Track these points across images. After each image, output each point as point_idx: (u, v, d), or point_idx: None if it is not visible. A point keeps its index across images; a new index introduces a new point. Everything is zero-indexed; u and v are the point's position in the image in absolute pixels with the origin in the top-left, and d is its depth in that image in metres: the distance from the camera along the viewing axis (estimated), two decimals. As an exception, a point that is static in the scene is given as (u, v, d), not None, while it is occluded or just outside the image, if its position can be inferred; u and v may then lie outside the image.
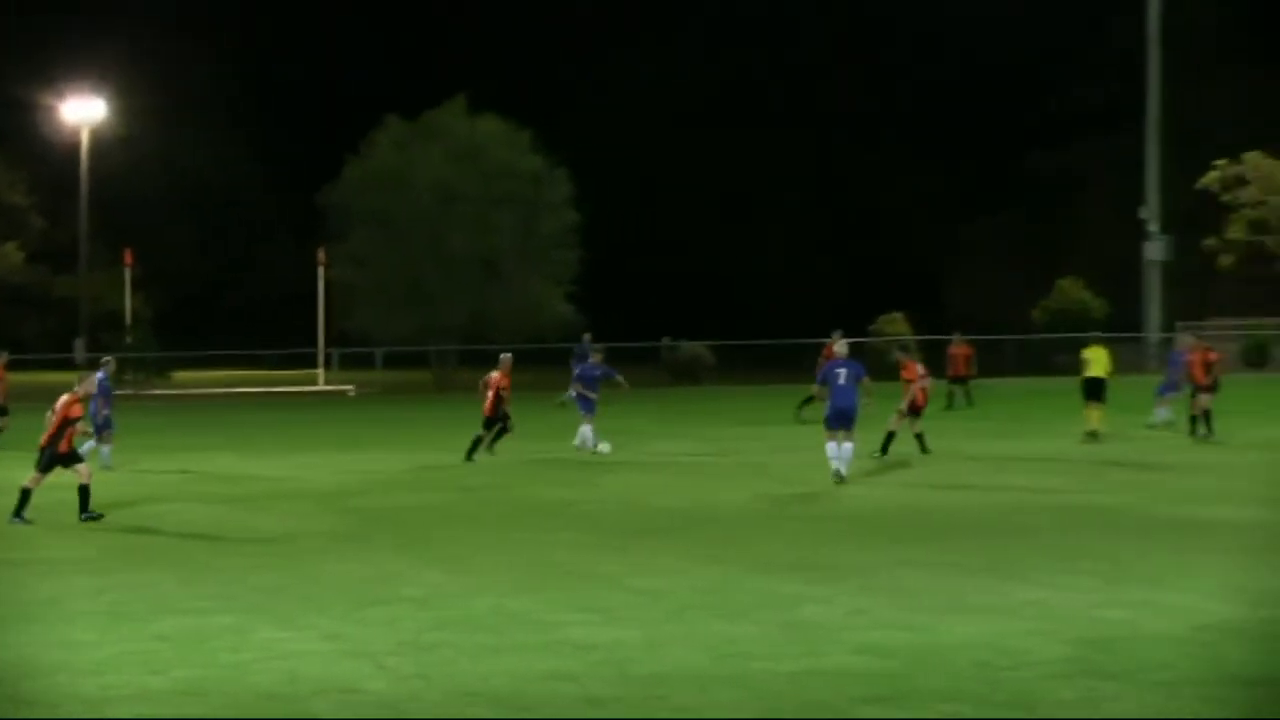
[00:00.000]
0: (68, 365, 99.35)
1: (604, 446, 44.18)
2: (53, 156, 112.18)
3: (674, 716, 15.48)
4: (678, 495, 34.24)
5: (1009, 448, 43.36)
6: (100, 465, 42.53)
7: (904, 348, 47.48)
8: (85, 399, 32.57)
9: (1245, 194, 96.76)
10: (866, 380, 36.91)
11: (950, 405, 58.56)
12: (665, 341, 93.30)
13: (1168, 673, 16.85)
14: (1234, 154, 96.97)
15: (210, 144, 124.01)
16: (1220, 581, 22.09)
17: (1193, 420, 45.87)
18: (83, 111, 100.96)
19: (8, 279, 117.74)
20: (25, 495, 31.07)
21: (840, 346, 38.39)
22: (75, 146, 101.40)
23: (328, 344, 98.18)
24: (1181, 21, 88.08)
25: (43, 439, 31.29)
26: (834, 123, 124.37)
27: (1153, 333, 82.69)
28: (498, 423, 44.20)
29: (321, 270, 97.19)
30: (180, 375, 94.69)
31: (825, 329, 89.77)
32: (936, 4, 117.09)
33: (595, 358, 46.95)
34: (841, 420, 35.46)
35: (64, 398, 31.61)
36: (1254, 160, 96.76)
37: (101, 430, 43.17)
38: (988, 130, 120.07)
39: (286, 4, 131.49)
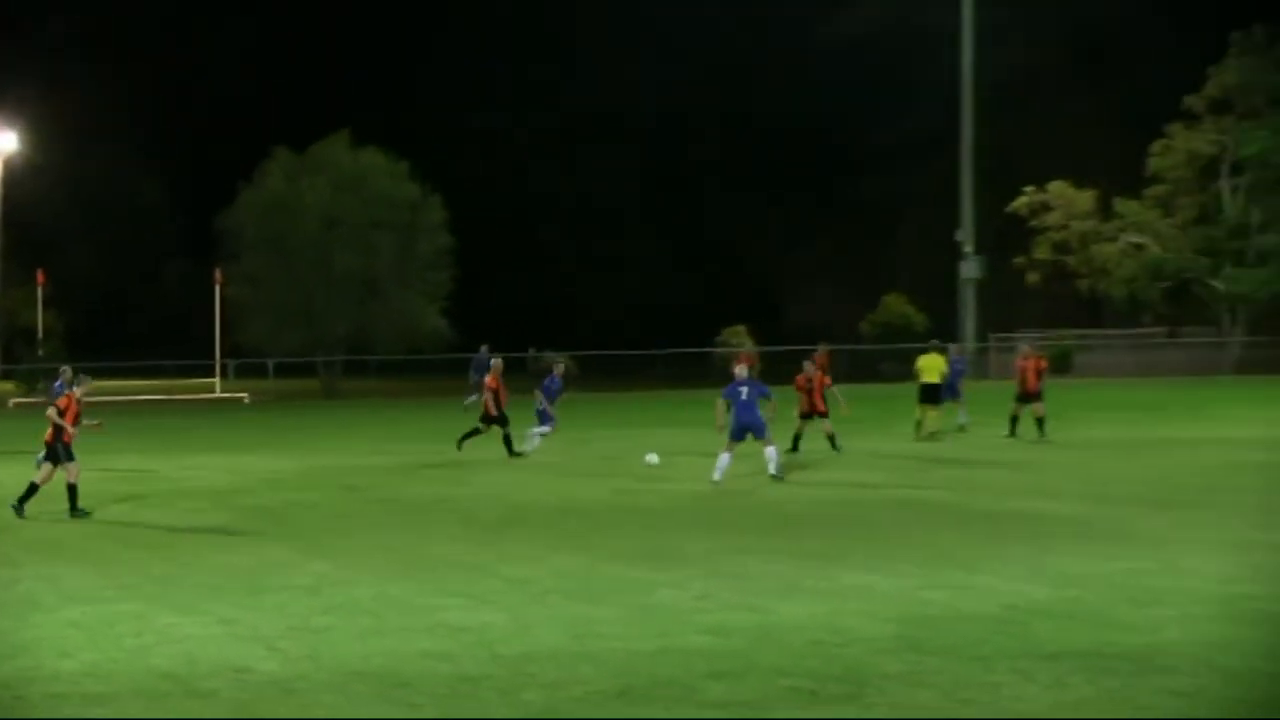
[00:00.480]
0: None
1: (530, 444, 44.10)
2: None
3: (540, 692, 15.50)
4: (542, 491, 34.20)
5: (844, 446, 43.44)
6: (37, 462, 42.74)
7: (809, 358, 47.68)
8: (81, 400, 32.29)
9: (1050, 218, 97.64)
10: (771, 398, 37.05)
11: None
12: (531, 353, 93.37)
13: (983, 648, 16.96)
14: (1040, 182, 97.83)
15: (117, 171, 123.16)
16: (1030, 566, 22.25)
17: (1013, 421, 46.24)
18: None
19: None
20: (32, 489, 31.07)
21: (740, 369, 38.15)
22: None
23: (224, 355, 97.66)
24: (993, 61, 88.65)
25: (46, 436, 31.32)
26: (684, 153, 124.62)
27: (969, 343, 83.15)
28: (498, 420, 43.94)
29: (218, 288, 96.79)
30: (93, 384, 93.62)
31: (676, 341, 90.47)
32: (771, 44, 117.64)
33: (558, 369, 46.63)
34: (743, 434, 35.37)
35: (61, 399, 31.81)
36: (1057, 188, 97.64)
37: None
38: (822, 160, 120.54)
39: (187, 43, 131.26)
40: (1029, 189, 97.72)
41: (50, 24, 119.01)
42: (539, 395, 45.68)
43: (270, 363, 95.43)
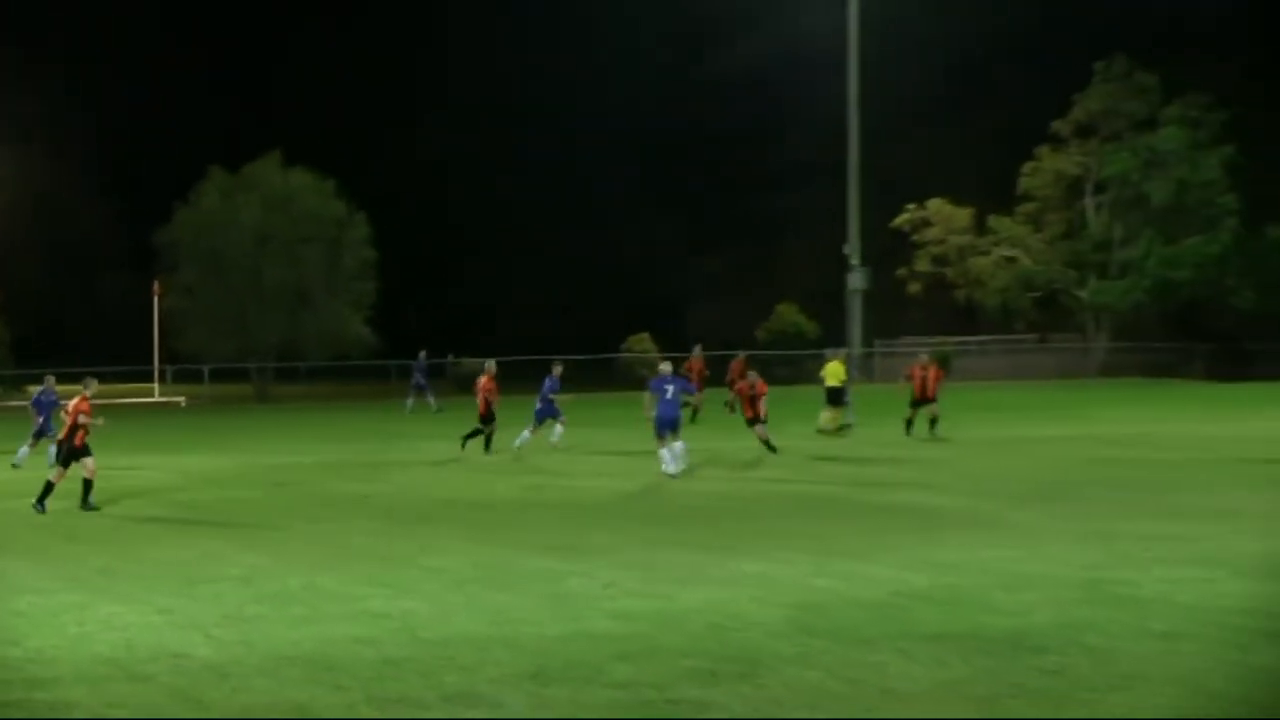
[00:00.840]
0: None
1: (556, 440, 43.88)
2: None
3: (458, 674, 15.47)
4: (460, 488, 34.15)
5: (744, 445, 43.48)
6: (19, 463, 42.25)
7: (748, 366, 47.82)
8: (92, 400, 32.01)
9: (929, 233, 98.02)
10: (694, 396, 37.12)
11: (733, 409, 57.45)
12: (450, 358, 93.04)
13: (868, 631, 17.02)
14: (920, 200, 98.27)
15: (61, 189, 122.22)
16: (912, 555, 22.32)
17: (908, 423, 46.23)
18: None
19: None
20: (49, 487, 30.81)
21: (664, 366, 38.07)
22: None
23: (162, 362, 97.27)
24: (877, 89, 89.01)
25: (60, 434, 31.25)
26: (592, 172, 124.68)
27: (855, 349, 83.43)
28: (492, 421, 43.76)
29: (157, 299, 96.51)
30: (33, 388, 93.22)
31: (585, 348, 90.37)
32: (675, 71, 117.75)
33: (556, 371, 46.34)
34: (667, 427, 35.56)
35: (75, 400, 31.42)
36: (936, 205, 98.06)
37: (41, 434, 43.04)
38: (721, 179, 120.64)
39: (128, 68, 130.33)
40: (910, 206, 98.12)
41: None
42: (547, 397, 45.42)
43: (205, 369, 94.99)
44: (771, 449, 39.97)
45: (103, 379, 45.40)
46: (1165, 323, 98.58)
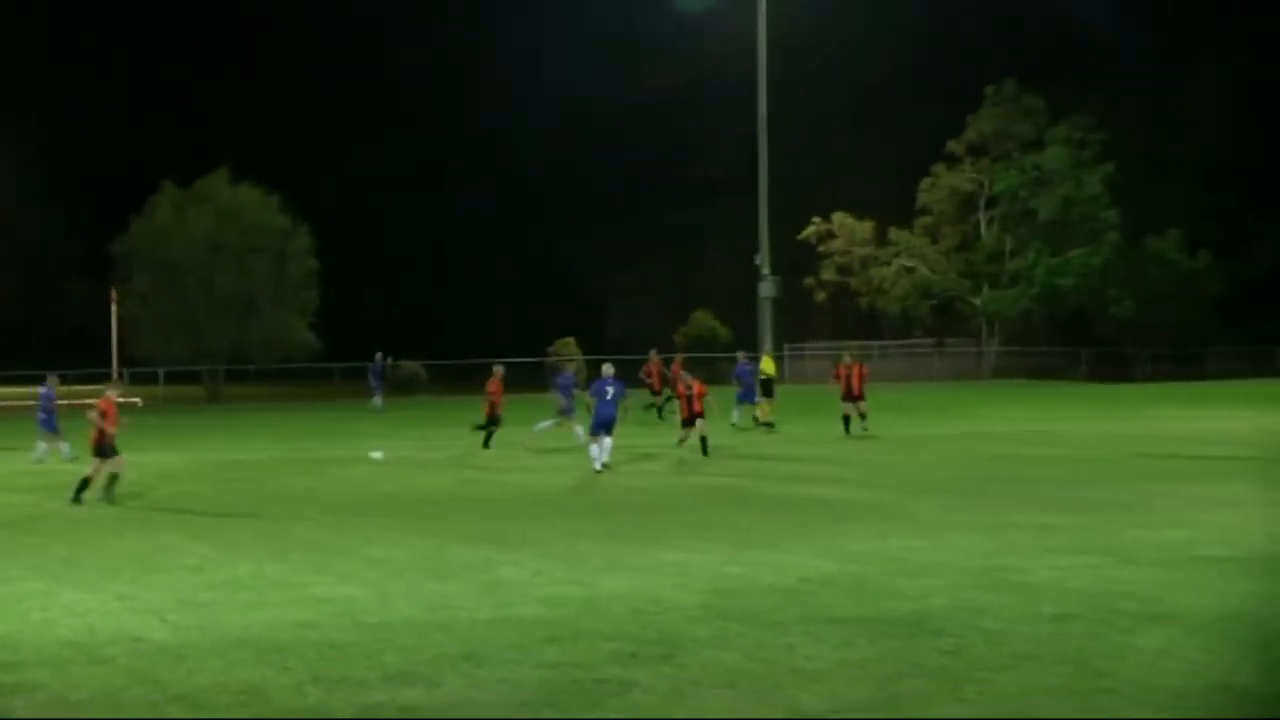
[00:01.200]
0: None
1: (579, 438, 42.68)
2: None
3: (397, 655, 15.45)
4: (398, 483, 34.07)
5: (664, 441, 43.52)
6: (42, 457, 42.34)
7: (684, 369, 47.80)
8: (117, 400, 31.78)
9: (834, 245, 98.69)
10: (627, 399, 37.10)
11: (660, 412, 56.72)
12: (389, 362, 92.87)
13: (780, 614, 17.06)
14: (825, 214, 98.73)
15: (22, 202, 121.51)
16: (820, 544, 22.39)
17: (846, 420, 46.15)
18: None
19: None
20: (84, 482, 30.61)
21: (607, 368, 38.02)
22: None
23: (120, 365, 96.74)
24: (785, 109, 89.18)
25: (93, 435, 30.79)
26: (518, 187, 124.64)
27: (768, 349, 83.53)
28: (496, 421, 43.93)
29: (114, 306, 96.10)
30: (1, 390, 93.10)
31: (516, 350, 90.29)
32: (598, 93, 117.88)
33: (570, 368, 46.14)
34: (604, 427, 35.62)
35: (100, 400, 31.43)
36: (840, 219, 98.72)
37: (44, 429, 42.90)
38: (641, 194, 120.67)
39: (85, 86, 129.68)
40: (816, 219, 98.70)
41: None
42: (557, 394, 45.62)
43: (161, 371, 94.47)
44: (704, 450, 39.18)
45: (64, 381, 45.23)
46: (1052, 328, 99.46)
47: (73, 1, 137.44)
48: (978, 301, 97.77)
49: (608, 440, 35.68)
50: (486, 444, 43.59)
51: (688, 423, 39.99)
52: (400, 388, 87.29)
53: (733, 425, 48.88)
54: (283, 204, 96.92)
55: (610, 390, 36.37)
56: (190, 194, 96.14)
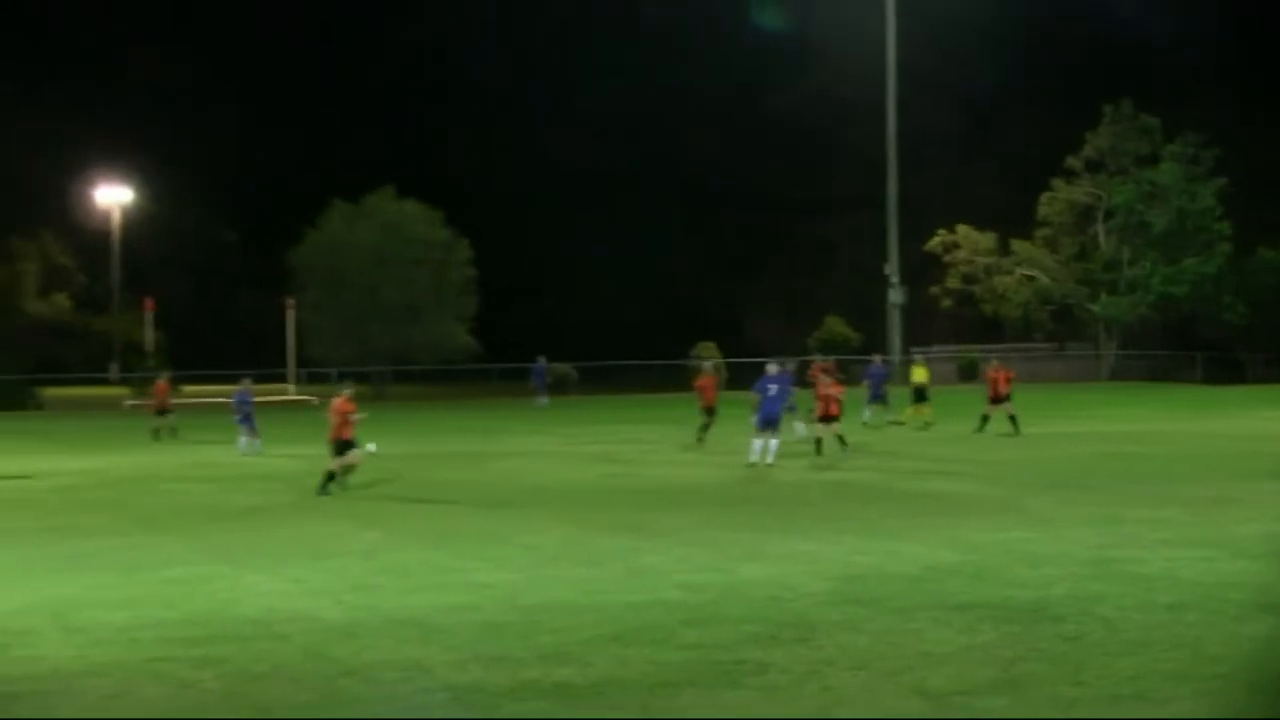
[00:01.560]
0: (103, 382, 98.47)
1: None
2: (91, 229, 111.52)
3: (551, 635, 15.53)
4: (548, 476, 34.20)
5: (795, 444, 43.30)
6: (247, 451, 42.89)
7: (825, 370, 46.42)
8: (353, 399, 32.01)
9: (958, 255, 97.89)
10: (791, 396, 36.69)
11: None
12: (540, 362, 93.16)
13: (907, 601, 17.01)
14: (950, 226, 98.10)
15: (205, 218, 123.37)
16: (944, 536, 22.27)
17: (984, 419, 45.87)
18: (113, 195, 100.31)
19: (58, 320, 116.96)
20: (330, 476, 30.87)
21: (772, 367, 37.48)
22: (109, 220, 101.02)
23: (295, 366, 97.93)
24: (913, 128, 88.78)
25: (330, 433, 31.09)
26: (662, 202, 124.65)
27: (894, 355, 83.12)
28: (712, 414, 42.62)
29: (290, 312, 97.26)
30: (186, 389, 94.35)
31: (658, 354, 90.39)
32: (735, 113, 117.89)
33: (708, 366, 45.24)
34: (768, 424, 34.73)
35: (337, 400, 31.58)
36: (963, 231, 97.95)
37: (243, 426, 43.51)
38: (778, 208, 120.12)
39: (265, 111, 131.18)
40: (941, 231, 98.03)
41: (154, 105, 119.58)
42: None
43: (333, 372, 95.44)
44: (819, 450, 37.98)
45: (241, 380, 45.64)
46: (1167, 333, 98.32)
47: (248, 45, 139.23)
48: (1095, 308, 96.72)
49: (774, 441, 34.73)
50: (700, 438, 42.20)
51: (824, 421, 39.23)
52: (553, 388, 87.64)
53: (864, 423, 48.48)
54: (444, 219, 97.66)
55: (774, 388, 35.34)
56: (358, 210, 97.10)
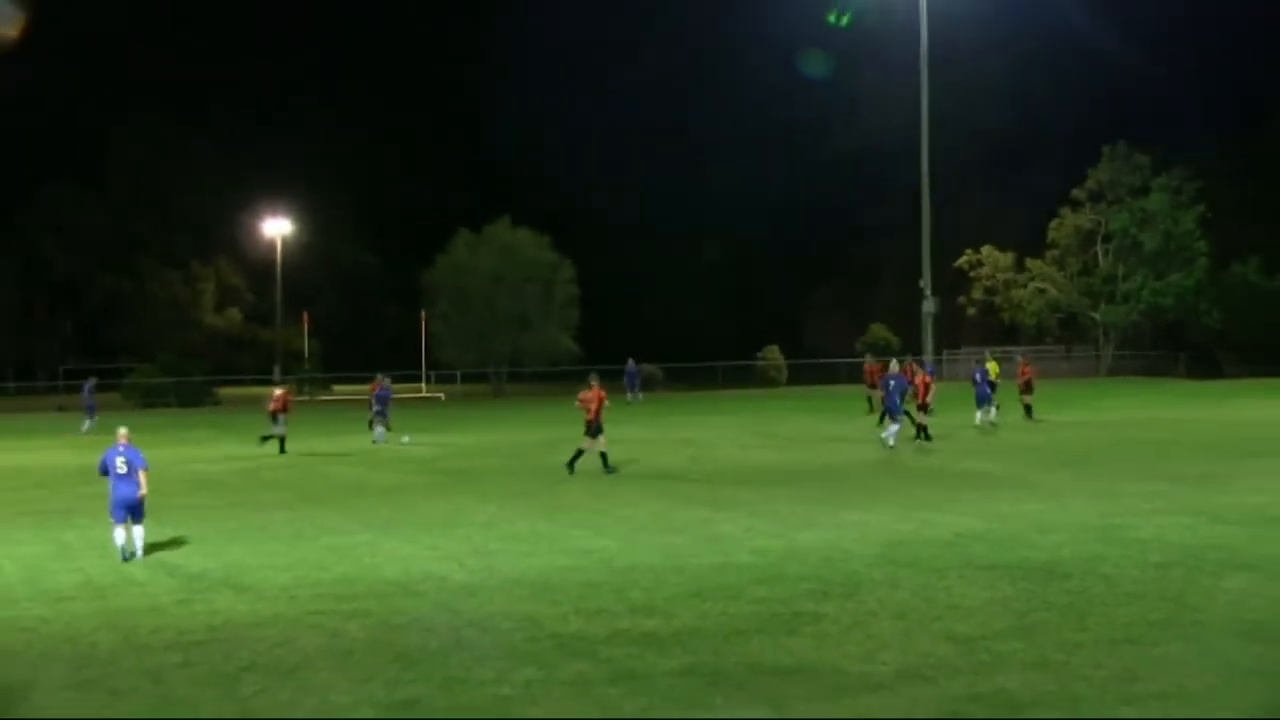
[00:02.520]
0: (269, 383, 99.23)
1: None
2: (258, 255, 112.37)
3: (642, 592, 15.57)
4: (638, 459, 34.20)
5: (842, 427, 43.24)
6: (382, 440, 41.83)
7: (920, 361, 44.49)
8: (601, 393, 30.89)
9: (982, 271, 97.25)
10: (908, 390, 36.38)
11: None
12: (631, 364, 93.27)
13: (939, 562, 17.00)
14: (975, 247, 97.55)
15: (352, 244, 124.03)
16: (972, 507, 22.18)
17: (1027, 409, 45.09)
18: (276, 226, 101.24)
19: (231, 331, 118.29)
20: (578, 453, 30.27)
21: (893, 365, 37.25)
22: (273, 248, 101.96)
23: (426, 368, 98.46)
24: (943, 165, 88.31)
25: (589, 416, 30.14)
26: (735, 224, 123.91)
27: (929, 356, 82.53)
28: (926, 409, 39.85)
29: (423, 323, 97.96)
30: (337, 388, 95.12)
31: (733, 356, 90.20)
32: (796, 151, 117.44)
33: (896, 366, 42.89)
34: (893, 413, 35.12)
35: (587, 393, 30.56)
36: (986, 251, 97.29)
37: (378, 417, 42.83)
38: (837, 232, 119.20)
39: (405, 157, 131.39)
40: (968, 251, 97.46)
41: (311, 150, 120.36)
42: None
43: (458, 373, 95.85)
44: (926, 436, 36.96)
45: (377, 378, 45.45)
46: (1156, 336, 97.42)
47: (390, 103, 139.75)
48: (1096, 315, 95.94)
49: (894, 427, 34.89)
50: (876, 413, 41.50)
51: (921, 409, 38.19)
52: (642, 386, 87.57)
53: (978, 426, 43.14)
54: (551, 243, 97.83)
55: (893, 383, 35.58)
56: (479, 237, 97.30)
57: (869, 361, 55.22)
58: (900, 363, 38.95)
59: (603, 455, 25.26)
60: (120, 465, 19.56)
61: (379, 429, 42.85)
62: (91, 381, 57.02)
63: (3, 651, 13.78)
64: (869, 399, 51.38)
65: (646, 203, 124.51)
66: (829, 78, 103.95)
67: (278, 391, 40.78)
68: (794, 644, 13.03)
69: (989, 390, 43.30)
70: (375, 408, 43.52)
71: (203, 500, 26.85)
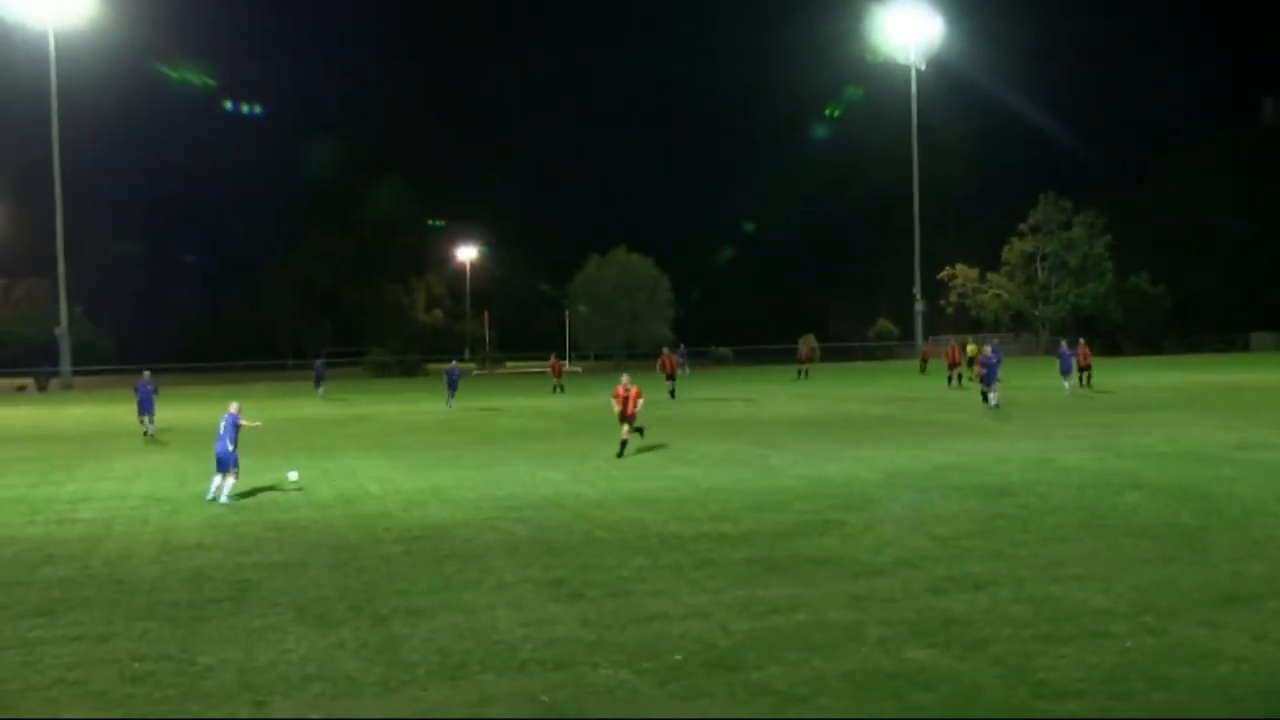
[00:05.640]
0: (462, 360, 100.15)
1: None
2: (453, 270, 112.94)
3: (717, 504, 15.53)
4: (711, 414, 34.09)
5: (858, 391, 42.78)
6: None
7: (967, 344, 40.30)
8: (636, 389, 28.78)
9: (956, 282, 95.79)
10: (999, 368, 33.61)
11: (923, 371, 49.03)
12: (711, 347, 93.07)
13: (925, 484, 16.83)
14: (952, 264, 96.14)
15: (522, 265, 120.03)
16: (948, 446, 21.92)
17: (1087, 378, 40.92)
18: (467, 252, 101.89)
19: (435, 325, 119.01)
20: (623, 443, 27.19)
21: (986, 348, 34.00)
22: (464, 266, 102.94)
23: (571, 349, 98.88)
24: (930, 205, 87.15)
25: (628, 410, 23.49)
26: (782, 241, 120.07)
27: (920, 341, 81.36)
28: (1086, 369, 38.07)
29: (567, 319, 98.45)
30: (509, 363, 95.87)
31: (777, 340, 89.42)
32: (820, 194, 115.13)
33: (994, 347, 38.58)
34: (990, 379, 32.70)
35: (624, 390, 27.62)
36: (960, 268, 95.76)
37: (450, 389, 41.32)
38: (855, 251, 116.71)
39: (567, 203, 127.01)
40: (946, 268, 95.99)
41: (493, 189, 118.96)
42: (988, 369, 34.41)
43: (591, 353, 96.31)
44: (991, 402, 32.63)
45: (540, 359, 45.36)
46: (1078, 327, 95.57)
47: (546, 140, 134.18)
48: (1037, 313, 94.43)
49: (992, 396, 32.42)
50: (956, 382, 40.25)
51: (984, 381, 33.60)
52: (717, 362, 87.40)
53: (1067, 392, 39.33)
54: (654, 264, 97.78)
55: (994, 358, 33.24)
56: (604, 260, 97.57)
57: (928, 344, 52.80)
58: (997, 344, 34.28)
59: (623, 442, 21.40)
60: (222, 428, 17.73)
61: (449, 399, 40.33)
62: (322, 359, 54.58)
63: (289, 541, 14.04)
64: (800, 371, 53.48)
65: (718, 233, 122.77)
66: (839, 142, 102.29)
67: (554, 361, 41.51)
68: (824, 542, 12.97)
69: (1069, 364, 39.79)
70: (446, 382, 41.51)
71: (413, 441, 27.13)
